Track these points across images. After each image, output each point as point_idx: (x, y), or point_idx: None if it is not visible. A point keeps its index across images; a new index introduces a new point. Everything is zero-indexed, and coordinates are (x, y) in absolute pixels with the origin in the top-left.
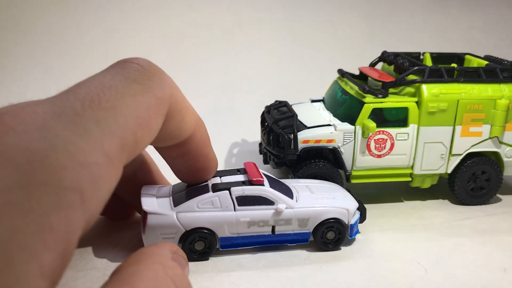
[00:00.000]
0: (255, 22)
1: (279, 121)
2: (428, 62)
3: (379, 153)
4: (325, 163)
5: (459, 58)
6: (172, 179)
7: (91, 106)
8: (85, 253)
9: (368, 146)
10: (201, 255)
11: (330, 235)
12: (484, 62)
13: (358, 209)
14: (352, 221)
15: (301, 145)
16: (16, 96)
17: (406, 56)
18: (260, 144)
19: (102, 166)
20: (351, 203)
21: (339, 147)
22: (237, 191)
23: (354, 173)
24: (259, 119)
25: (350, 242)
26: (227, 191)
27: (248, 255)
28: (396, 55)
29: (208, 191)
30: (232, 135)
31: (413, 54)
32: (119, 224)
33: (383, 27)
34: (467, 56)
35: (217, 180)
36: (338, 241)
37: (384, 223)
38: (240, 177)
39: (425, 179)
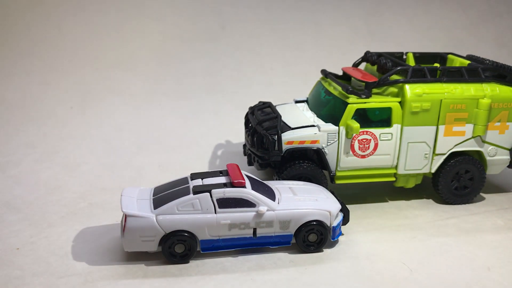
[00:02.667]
0: (239, 22)
1: (263, 122)
2: (411, 62)
3: (363, 154)
4: (310, 164)
5: (441, 57)
6: (153, 182)
7: None
8: (65, 259)
9: (352, 146)
10: (182, 258)
11: (312, 237)
12: (467, 62)
13: (341, 211)
14: (334, 223)
15: (285, 146)
16: None
17: (389, 56)
18: (244, 146)
19: None
20: (334, 205)
21: (323, 148)
22: (218, 193)
23: (338, 173)
24: (243, 120)
25: (335, 243)
26: (208, 193)
27: (232, 258)
28: (379, 55)
29: (188, 193)
30: (216, 136)
31: (396, 54)
32: (98, 228)
33: (366, 27)
34: (449, 56)
35: (198, 182)
36: (320, 243)
37: (369, 224)
38: (222, 179)
39: (409, 179)
